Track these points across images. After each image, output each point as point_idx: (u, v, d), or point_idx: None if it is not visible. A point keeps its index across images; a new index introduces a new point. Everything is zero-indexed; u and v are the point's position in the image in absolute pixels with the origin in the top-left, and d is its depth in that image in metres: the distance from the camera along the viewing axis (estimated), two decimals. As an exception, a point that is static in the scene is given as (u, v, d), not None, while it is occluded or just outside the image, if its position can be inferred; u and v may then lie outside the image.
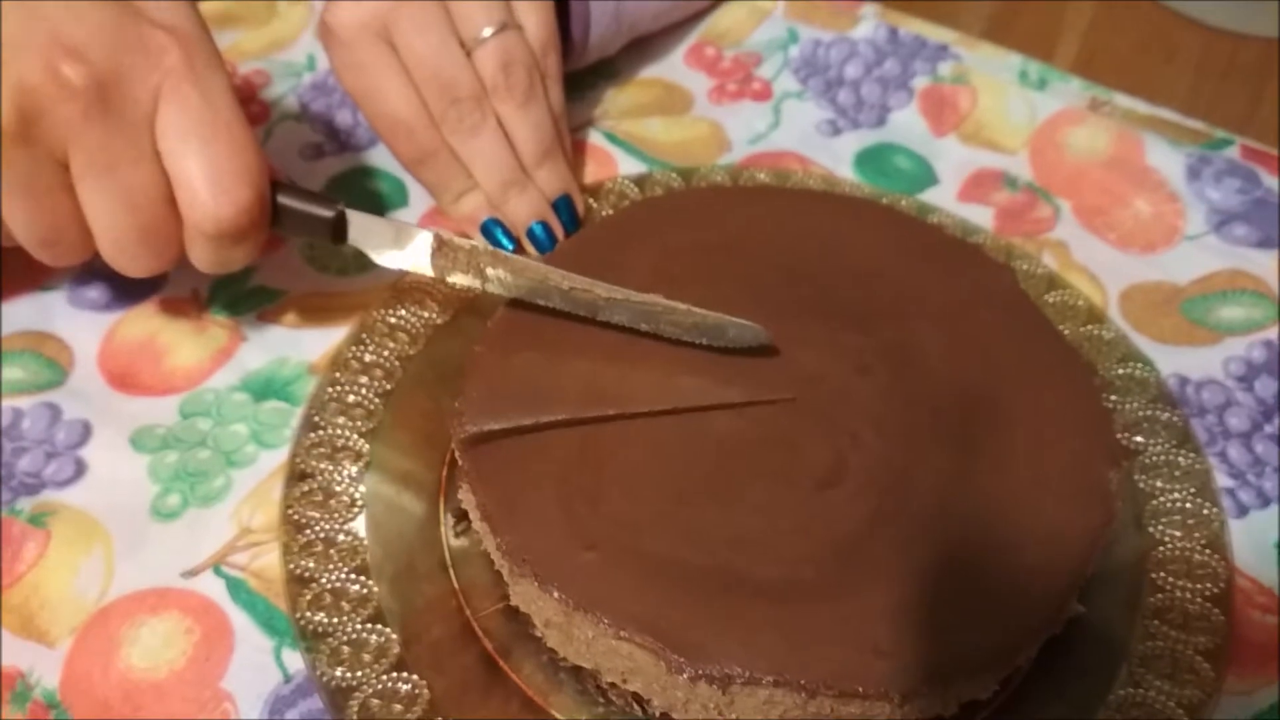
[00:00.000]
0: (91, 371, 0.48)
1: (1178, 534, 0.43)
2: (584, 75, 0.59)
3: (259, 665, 0.40)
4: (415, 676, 0.39)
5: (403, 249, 0.44)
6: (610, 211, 0.53)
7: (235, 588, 0.42)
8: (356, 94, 0.49)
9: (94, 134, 0.39)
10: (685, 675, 0.34)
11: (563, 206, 0.51)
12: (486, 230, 0.51)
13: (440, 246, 0.43)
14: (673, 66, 0.62)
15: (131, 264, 0.42)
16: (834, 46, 0.62)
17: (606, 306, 0.42)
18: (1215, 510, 0.44)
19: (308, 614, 0.40)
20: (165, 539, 0.43)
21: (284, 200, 0.43)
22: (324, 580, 0.41)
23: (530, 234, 0.50)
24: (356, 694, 0.38)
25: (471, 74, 0.48)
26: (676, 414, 0.40)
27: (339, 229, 0.44)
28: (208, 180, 0.40)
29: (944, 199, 0.56)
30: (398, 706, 0.38)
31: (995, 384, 0.41)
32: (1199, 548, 0.43)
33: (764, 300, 0.44)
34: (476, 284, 0.43)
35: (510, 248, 0.50)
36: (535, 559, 0.36)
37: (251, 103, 0.59)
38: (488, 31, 0.48)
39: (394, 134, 0.49)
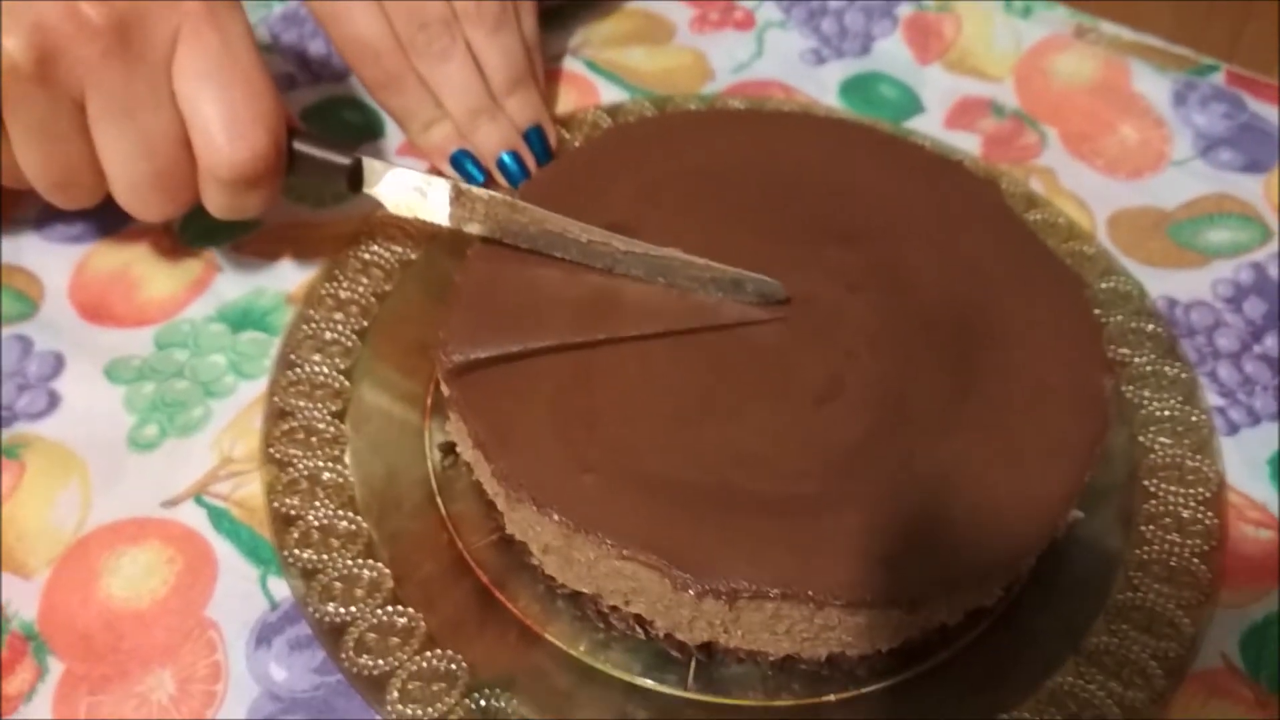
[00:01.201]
0: (62, 304, 0.46)
1: (1167, 441, 0.44)
2: (565, 4, 0.58)
3: (244, 594, 0.39)
4: (411, 610, 0.38)
5: (420, 198, 0.43)
6: (583, 141, 0.52)
7: (218, 517, 0.41)
8: (322, 16, 0.48)
9: (113, 75, 0.38)
10: (691, 592, 0.33)
11: (534, 137, 0.50)
12: (456, 162, 0.49)
13: (459, 196, 0.42)
14: (653, -5, 0.61)
15: (145, 208, 0.41)
16: (817, -25, 0.62)
17: (624, 260, 0.41)
18: (1203, 417, 0.44)
19: (295, 551, 0.39)
20: (144, 469, 0.42)
21: (300, 147, 0.42)
22: (311, 518, 0.40)
23: (500, 164, 0.49)
24: (351, 629, 0.37)
25: None
26: (669, 336, 0.40)
27: (355, 177, 0.43)
28: (224, 124, 0.39)
29: (930, 127, 0.56)
30: (394, 640, 0.37)
31: (986, 297, 0.41)
32: (1189, 454, 0.43)
33: (750, 222, 0.43)
34: (494, 234, 0.42)
35: (481, 180, 0.49)
36: (533, 484, 0.35)
37: (221, 34, 0.57)
38: None
39: (360, 58, 0.48)
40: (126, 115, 0.39)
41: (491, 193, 0.42)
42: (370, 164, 0.43)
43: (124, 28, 0.38)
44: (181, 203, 0.42)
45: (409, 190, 0.43)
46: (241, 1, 0.41)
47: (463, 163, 0.49)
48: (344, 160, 0.42)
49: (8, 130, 0.39)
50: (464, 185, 0.42)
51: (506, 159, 0.49)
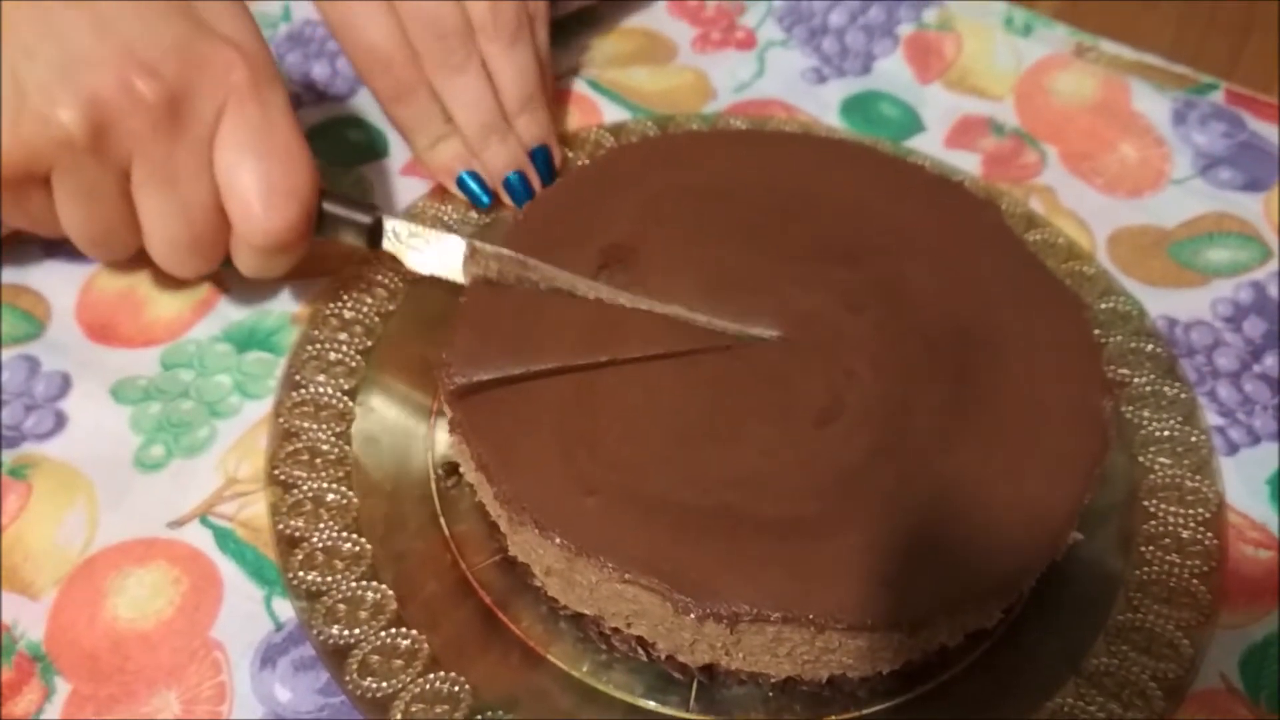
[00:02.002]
0: (69, 324, 0.47)
1: (1167, 462, 0.44)
2: (567, 22, 0.59)
3: (249, 614, 0.40)
4: (414, 632, 0.38)
5: (436, 256, 0.44)
6: (586, 161, 0.52)
7: (223, 537, 0.41)
8: (334, 23, 0.48)
9: (160, 147, 0.39)
10: (692, 615, 0.34)
11: (540, 156, 0.50)
12: (463, 183, 0.49)
13: (473, 254, 0.43)
14: (655, 16, 0.61)
15: (179, 267, 0.43)
16: (818, -6, 0.62)
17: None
18: (1202, 437, 0.44)
19: (300, 573, 0.39)
20: (149, 490, 0.42)
21: (328, 207, 0.43)
22: (315, 539, 0.40)
23: (507, 184, 0.49)
24: (355, 651, 0.38)
25: (459, 9, 0.47)
26: (670, 357, 0.40)
27: (375, 234, 0.44)
28: (261, 196, 0.40)
29: (931, 146, 0.56)
30: (398, 662, 0.38)
31: (986, 317, 0.41)
32: (1189, 474, 0.43)
33: (751, 242, 0.44)
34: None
35: (486, 202, 0.49)
36: (535, 506, 0.36)
37: (227, 54, 0.58)
38: None
39: (372, 67, 0.48)
40: (169, 183, 0.40)
41: (503, 250, 0.42)
42: (388, 221, 0.44)
43: (175, 103, 0.39)
44: (213, 261, 0.43)
45: (425, 248, 0.44)
46: (280, 73, 0.42)
47: (469, 184, 0.49)
48: (365, 219, 0.43)
49: (54, 191, 0.40)
50: (477, 244, 0.43)
51: (513, 179, 0.49)
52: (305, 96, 0.56)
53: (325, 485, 0.42)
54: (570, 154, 0.53)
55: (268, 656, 0.39)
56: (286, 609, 0.39)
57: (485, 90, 0.48)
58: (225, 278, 0.48)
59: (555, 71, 0.56)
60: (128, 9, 0.39)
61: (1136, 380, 0.46)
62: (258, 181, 0.40)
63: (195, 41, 0.39)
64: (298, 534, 0.40)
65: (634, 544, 0.35)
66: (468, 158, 0.49)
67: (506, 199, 0.50)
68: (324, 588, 0.39)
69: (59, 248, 0.48)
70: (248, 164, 0.40)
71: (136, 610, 0.39)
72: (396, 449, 0.43)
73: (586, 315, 0.41)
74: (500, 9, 0.47)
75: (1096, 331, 0.47)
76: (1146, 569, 0.41)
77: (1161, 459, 0.44)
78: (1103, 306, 0.48)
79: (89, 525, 0.41)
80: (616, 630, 0.37)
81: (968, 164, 0.55)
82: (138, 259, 0.43)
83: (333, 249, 0.49)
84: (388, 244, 0.44)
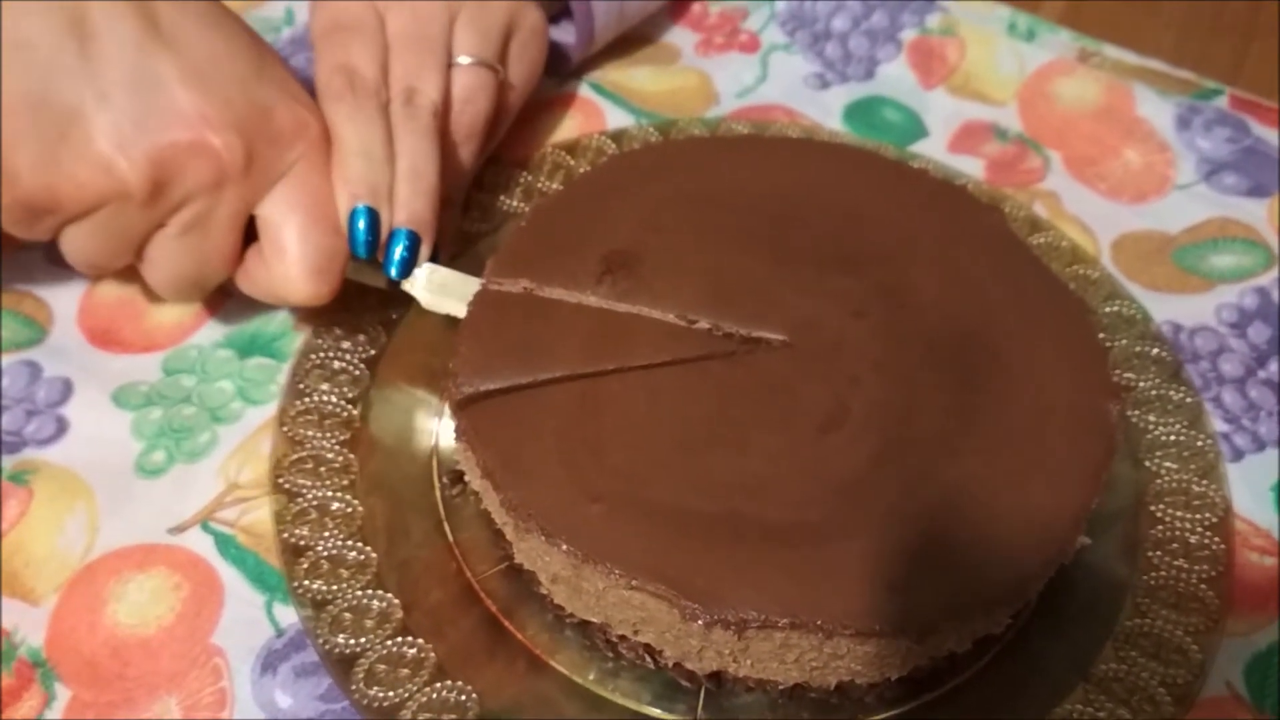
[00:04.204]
0: (71, 329, 0.46)
1: (1173, 466, 0.44)
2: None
3: (250, 620, 0.39)
4: (420, 640, 0.38)
5: (450, 295, 0.43)
6: (588, 168, 0.52)
7: (224, 543, 0.41)
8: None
9: (210, 201, 0.39)
10: (700, 622, 0.33)
11: (402, 237, 0.43)
12: (355, 216, 0.41)
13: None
14: (658, 22, 0.61)
15: (175, 298, 0.43)
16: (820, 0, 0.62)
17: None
18: (1209, 442, 0.44)
19: (305, 581, 0.39)
20: (151, 495, 0.42)
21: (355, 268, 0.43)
22: (320, 548, 0.40)
23: (394, 235, 0.43)
24: (361, 660, 0.37)
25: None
26: (674, 365, 0.40)
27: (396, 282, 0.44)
28: (304, 261, 0.40)
29: (934, 151, 0.56)
30: (404, 671, 0.37)
31: (990, 322, 0.41)
32: (1195, 479, 0.43)
33: (754, 249, 0.43)
34: None
35: (364, 254, 0.42)
36: (541, 513, 0.35)
37: (229, 59, 0.57)
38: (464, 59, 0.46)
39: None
40: (201, 232, 0.40)
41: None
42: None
43: (248, 162, 0.39)
44: (206, 295, 0.44)
45: (438, 287, 0.43)
46: None
47: (361, 220, 0.41)
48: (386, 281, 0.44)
49: (77, 221, 0.39)
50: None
51: (365, 215, 0.42)
52: (307, 101, 0.56)
53: (330, 493, 0.41)
54: (573, 161, 0.53)
55: (269, 663, 0.38)
56: (287, 615, 0.39)
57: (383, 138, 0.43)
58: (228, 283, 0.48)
59: (560, 76, 0.56)
60: (223, 63, 0.39)
61: (1141, 384, 0.46)
62: (302, 247, 0.40)
63: (278, 102, 0.40)
64: (302, 542, 0.40)
65: (641, 550, 0.34)
66: (384, 199, 0.42)
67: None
68: (329, 596, 0.39)
69: (61, 254, 0.48)
70: (294, 225, 0.40)
71: (137, 616, 0.39)
72: (401, 457, 0.43)
73: (591, 323, 0.41)
74: (415, 94, 0.44)
75: (1101, 335, 0.47)
76: (1154, 574, 0.41)
77: (1168, 464, 0.44)
78: (1107, 310, 0.48)
79: (90, 531, 0.41)
80: (623, 638, 0.37)
81: (971, 169, 0.55)
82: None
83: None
84: (406, 284, 0.44)
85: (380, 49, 0.44)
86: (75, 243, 0.40)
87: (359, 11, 0.45)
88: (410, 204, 0.42)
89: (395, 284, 0.44)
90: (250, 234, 0.41)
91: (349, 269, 0.42)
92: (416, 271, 0.43)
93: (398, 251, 0.42)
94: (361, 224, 0.41)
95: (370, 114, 0.42)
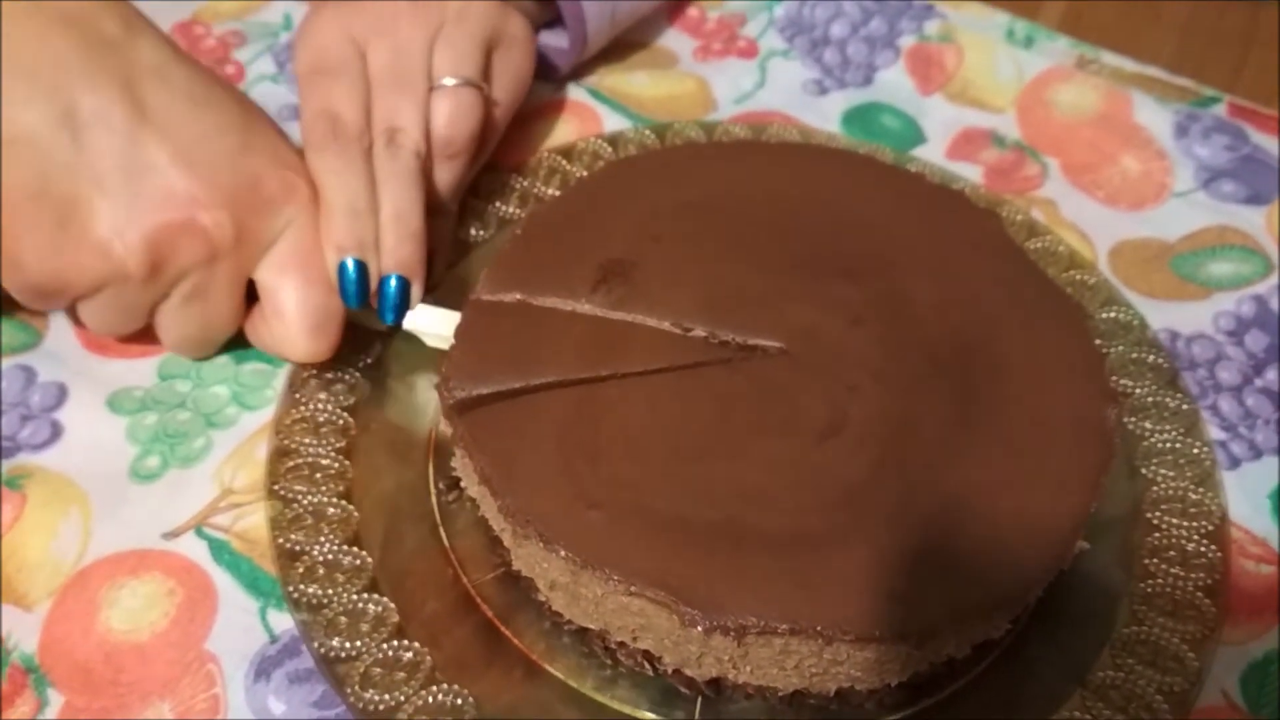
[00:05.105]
0: (66, 334, 0.46)
1: (1170, 474, 0.44)
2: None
3: (244, 626, 0.39)
4: (416, 645, 0.38)
5: (449, 334, 0.43)
6: (585, 173, 0.52)
7: (218, 549, 0.41)
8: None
9: (207, 273, 0.40)
10: (699, 628, 0.33)
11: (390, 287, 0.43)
12: (344, 268, 0.42)
13: None
14: (656, 28, 0.61)
15: (189, 356, 0.46)
16: (819, 6, 0.62)
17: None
18: (1205, 449, 0.44)
19: (300, 586, 0.39)
20: (145, 500, 0.42)
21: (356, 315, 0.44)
22: (315, 552, 0.40)
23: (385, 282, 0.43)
24: (356, 663, 0.37)
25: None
26: (672, 371, 0.40)
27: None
28: (302, 321, 0.42)
29: (932, 157, 0.56)
30: (400, 675, 0.37)
31: (989, 329, 0.41)
32: (1191, 487, 0.43)
33: (752, 256, 0.43)
34: None
35: (355, 304, 0.42)
36: (539, 520, 0.35)
37: (226, 64, 0.57)
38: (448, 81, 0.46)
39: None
40: (201, 299, 0.41)
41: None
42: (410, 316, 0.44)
43: (239, 236, 0.40)
44: (218, 348, 0.45)
45: (438, 326, 0.44)
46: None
47: (351, 273, 0.42)
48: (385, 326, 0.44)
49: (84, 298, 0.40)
50: None
51: (353, 268, 0.42)
52: (305, 105, 0.56)
53: (325, 499, 0.41)
54: (569, 166, 0.53)
55: (262, 669, 0.38)
56: (282, 621, 0.39)
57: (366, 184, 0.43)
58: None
59: (556, 80, 0.56)
60: (211, 140, 0.39)
61: (1138, 391, 0.46)
62: (300, 307, 0.41)
63: (266, 169, 0.40)
64: (298, 547, 0.40)
65: (640, 557, 0.34)
66: (370, 250, 0.43)
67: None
68: (325, 600, 0.39)
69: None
70: (291, 287, 0.41)
71: (131, 622, 0.39)
72: (396, 463, 0.43)
73: (586, 330, 0.40)
74: (397, 133, 0.44)
75: (1098, 341, 0.46)
76: (1151, 582, 0.41)
77: (1164, 471, 0.44)
78: (1104, 316, 0.48)
79: (84, 536, 0.41)
80: (622, 644, 0.37)
81: (969, 176, 0.55)
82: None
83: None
84: (408, 325, 0.44)
85: (362, 90, 0.44)
86: (89, 315, 0.41)
87: (339, 52, 0.45)
88: (397, 250, 0.43)
89: (394, 328, 0.44)
90: (255, 292, 0.42)
91: (350, 314, 0.43)
92: (415, 312, 0.44)
93: (389, 298, 0.43)
94: (350, 276, 0.42)
95: (353, 162, 0.43)
